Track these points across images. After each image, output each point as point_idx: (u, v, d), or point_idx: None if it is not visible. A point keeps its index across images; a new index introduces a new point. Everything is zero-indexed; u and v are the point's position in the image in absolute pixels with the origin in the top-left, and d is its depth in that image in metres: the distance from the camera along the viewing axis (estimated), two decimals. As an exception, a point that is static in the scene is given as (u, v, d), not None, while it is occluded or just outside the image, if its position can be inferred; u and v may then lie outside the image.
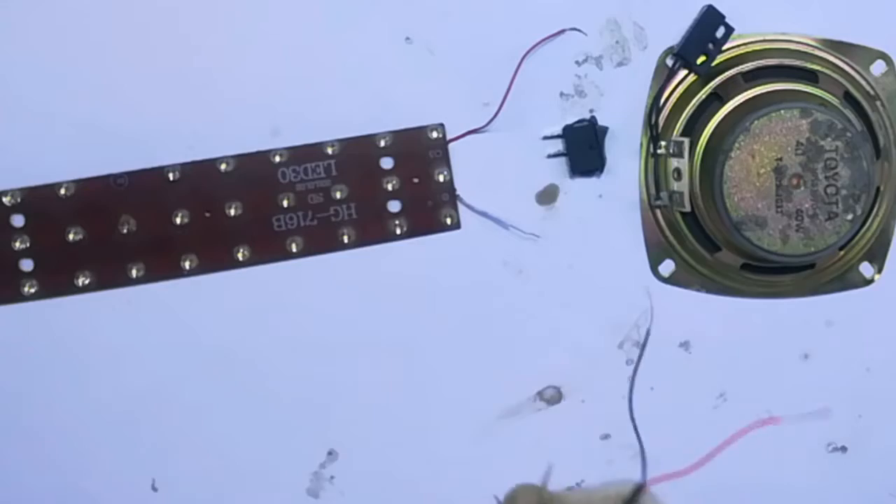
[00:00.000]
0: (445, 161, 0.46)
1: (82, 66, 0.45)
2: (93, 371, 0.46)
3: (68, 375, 0.46)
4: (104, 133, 0.45)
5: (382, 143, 0.46)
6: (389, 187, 0.46)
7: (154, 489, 0.46)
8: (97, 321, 0.46)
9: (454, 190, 0.46)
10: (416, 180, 0.46)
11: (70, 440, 0.46)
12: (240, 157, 0.46)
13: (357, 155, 0.46)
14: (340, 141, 0.46)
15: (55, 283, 0.45)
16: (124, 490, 0.46)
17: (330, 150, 0.46)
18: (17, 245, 0.45)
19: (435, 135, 0.46)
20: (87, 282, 0.45)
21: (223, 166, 0.45)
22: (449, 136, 0.46)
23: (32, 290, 0.45)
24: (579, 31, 0.46)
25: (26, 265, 0.45)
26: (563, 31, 0.46)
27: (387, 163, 0.46)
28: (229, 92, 0.46)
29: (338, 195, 0.46)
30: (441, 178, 0.46)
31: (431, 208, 0.46)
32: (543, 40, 0.46)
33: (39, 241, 0.45)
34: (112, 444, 0.46)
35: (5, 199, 0.45)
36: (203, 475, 0.46)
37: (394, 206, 0.46)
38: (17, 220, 0.45)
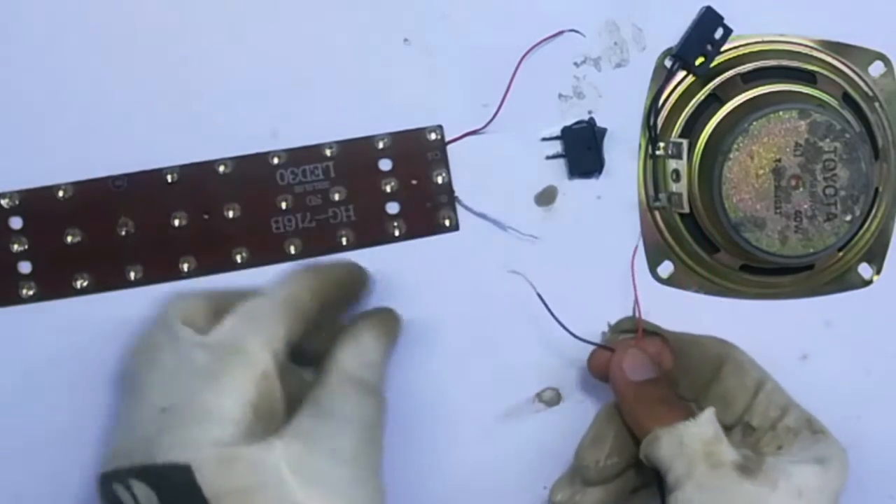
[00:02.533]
0: (444, 162, 0.46)
1: (81, 68, 0.45)
2: (91, 373, 0.45)
3: (67, 378, 0.45)
4: (102, 135, 0.45)
5: (381, 145, 0.46)
6: (388, 189, 0.46)
7: (153, 491, 0.46)
8: (95, 323, 0.45)
9: (453, 191, 0.46)
10: (414, 182, 0.46)
11: (69, 443, 0.45)
12: (238, 159, 0.46)
13: (355, 156, 0.46)
14: (339, 142, 0.46)
15: (53, 285, 0.45)
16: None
17: (328, 152, 0.46)
18: (16, 247, 0.45)
19: (433, 136, 0.46)
20: (85, 284, 0.45)
21: (222, 168, 0.45)
22: (447, 138, 0.46)
23: (31, 293, 0.45)
24: (578, 32, 0.46)
25: (24, 267, 0.45)
26: (561, 33, 0.46)
27: (385, 164, 0.46)
28: (228, 94, 0.46)
29: (336, 197, 0.46)
30: (439, 180, 0.46)
31: (430, 210, 0.46)
32: (542, 41, 0.46)
33: (38, 244, 0.45)
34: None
35: (4, 202, 0.45)
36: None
37: (392, 207, 0.46)
38: (16, 223, 0.45)
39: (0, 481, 0.46)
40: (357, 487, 0.38)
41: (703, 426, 0.40)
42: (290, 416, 0.39)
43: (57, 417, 0.45)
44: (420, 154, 0.46)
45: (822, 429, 0.43)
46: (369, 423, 0.40)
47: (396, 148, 0.46)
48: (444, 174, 0.46)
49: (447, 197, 0.46)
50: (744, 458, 0.40)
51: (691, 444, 0.40)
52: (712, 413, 0.40)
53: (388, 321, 0.44)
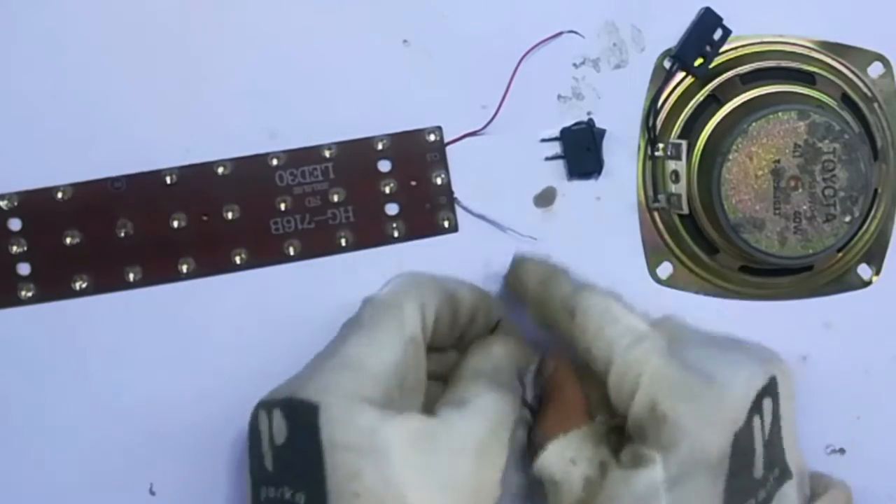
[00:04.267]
0: (443, 163, 0.46)
1: (80, 70, 0.45)
2: (90, 375, 0.45)
3: (66, 380, 0.45)
4: (101, 136, 0.45)
5: (380, 146, 0.46)
6: (387, 190, 0.46)
7: (152, 493, 0.46)
8: (94, 325, 0.45)
9: (452, 193, 0.46)
10: (413, 183, 0.46)
11: (68, 444, 0.45)
12: (237, 160, 0.46)
13: (354, 157, 0.46)
14: (338, 144, 0.46)
15: (52, 286, 0.45)
16: (122, 494, 0.46)
17: (327, 153, 0.46)
18: (15, 249, 0.45)
19: (432, 137, 0.46)
20: (84, 285, 0.45)
21: (220, 169, 0.45)
22: (446, 139, 0.46)
23: (30, 294, 0.45)
24: (577, 33, 0.46)
25: (23, 269, 0.45)
26: (560, 34, 0.46)
27: (384, 165, 0.46)
28: (227, 95, 0.46)
29: (335, 198, 0.46)
30: (439, 181, 0.46)
31: (429, 211, 0.46)
32: (541, 43, 0.46)
33: (37, 245, 0.45)
34: (110, 449, 0.46)
35: (2, 203, 0.45)
36: (201, 479, 0.46)
37: (391, 208, 0.46)
38: (15, 224, 0.45)
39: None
40: (471, 481, 0.37)
41: (541, 474, 0.39)
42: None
43: (55, 420, 0.46)
44: (419, 155, 0.46)
45: (664, 414, 0.38)
46: (500, 418, 0.39)
47: (395, 149, 0.46)
48: (443, 175, 0.46)
49: (446, 198, 0.46)
50: (583, 485, 0.39)
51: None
52: (543, 459, 0.39)
53: (518, 343, 0.44)
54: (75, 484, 0.46)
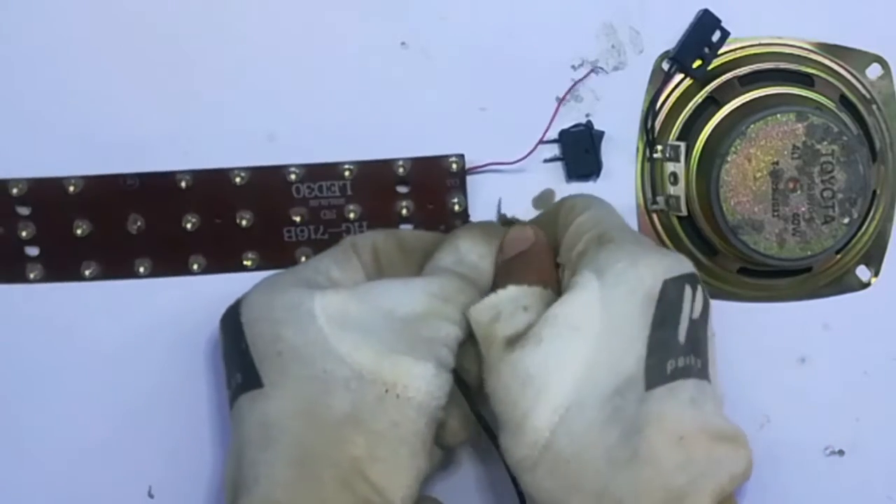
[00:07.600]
0: (462, 190, 0.46)
1: (78, 75, 0.46)
2: (90, 376, 0.46)
3: (65, 381, 0.46)
4: (112, 134, 0.46)
5: (400, 170, 0.46)
6: (403, 212, 0.46)
7: (150, 496, 0.46)
8: (96, 324, 0.46)
9: (468, 218, 0.47)
10: (430, 206, 0.46)
11: (67, 446, 0.46)
12: (254, 170, 0.46)
13: (373, 177, 0.46)
14: (357, 162, 0.46)
15: (60, 271, 0.46)
16: (120, 496, 0.46)
17: (347, 173, 0.46)
18: (24, 234, 0.45)
19: (454, 167, 0.46)
20: (91, 273, 0.45)
21: (238, 179, 0.46)
22: (468, 165, 0.46)
23: (37, 275, 0.45)
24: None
25: (32, 251, 0.46)
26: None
27: (402, 187, 0.46)
28: (230, 101, 0.46)
29: (351, 215, 0.46)
30: (457, 208, 0.46)
31: (443, 232, 0.46)
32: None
33: (45, 232, 0.45)
34: (108, 450, 0.46)
35: (14, 191, 0.45)
36: (201, 481, 0.46)
37: (405, 228, 0.47)
38: (24, 210, 0.45)
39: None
40: (394, 339, 0.38)
41: (480, 312, 0.40)
42: None
43: (54, 421, 0.46)
44: (439, 180, 0.46)
45: (611, 238, 0.40)
46: (445, 294, 0.40)
47: (415, 172, 0.46)
48: (461, 202, 0.46)
49: (462, 223, 0.46)
50: (525, 326, 0.39)
51: (476, 329, 0.40)
52: (498, 295, 0.40)
53: (483, 233, 0.44)
54: (74, 486, 0.46)
